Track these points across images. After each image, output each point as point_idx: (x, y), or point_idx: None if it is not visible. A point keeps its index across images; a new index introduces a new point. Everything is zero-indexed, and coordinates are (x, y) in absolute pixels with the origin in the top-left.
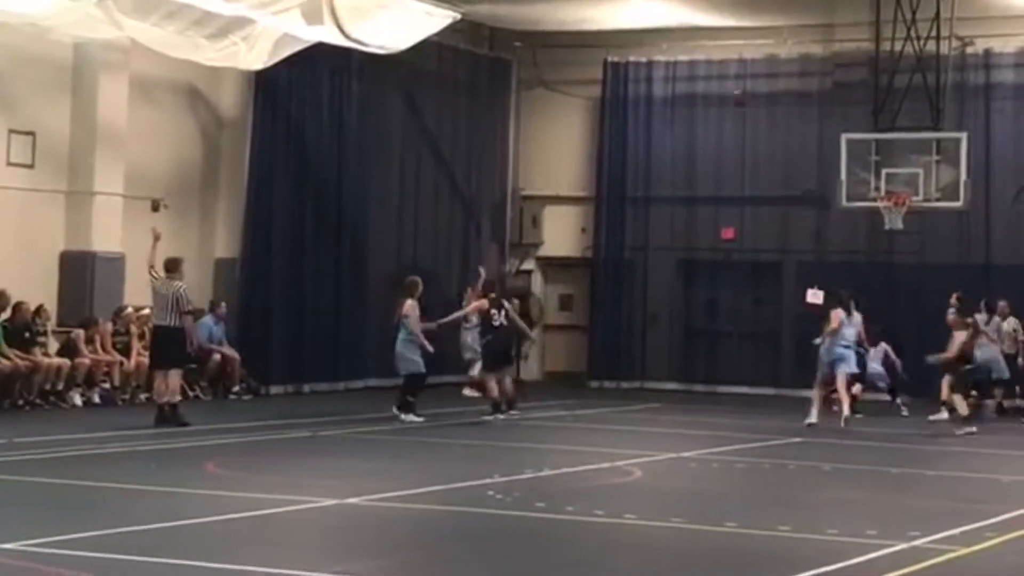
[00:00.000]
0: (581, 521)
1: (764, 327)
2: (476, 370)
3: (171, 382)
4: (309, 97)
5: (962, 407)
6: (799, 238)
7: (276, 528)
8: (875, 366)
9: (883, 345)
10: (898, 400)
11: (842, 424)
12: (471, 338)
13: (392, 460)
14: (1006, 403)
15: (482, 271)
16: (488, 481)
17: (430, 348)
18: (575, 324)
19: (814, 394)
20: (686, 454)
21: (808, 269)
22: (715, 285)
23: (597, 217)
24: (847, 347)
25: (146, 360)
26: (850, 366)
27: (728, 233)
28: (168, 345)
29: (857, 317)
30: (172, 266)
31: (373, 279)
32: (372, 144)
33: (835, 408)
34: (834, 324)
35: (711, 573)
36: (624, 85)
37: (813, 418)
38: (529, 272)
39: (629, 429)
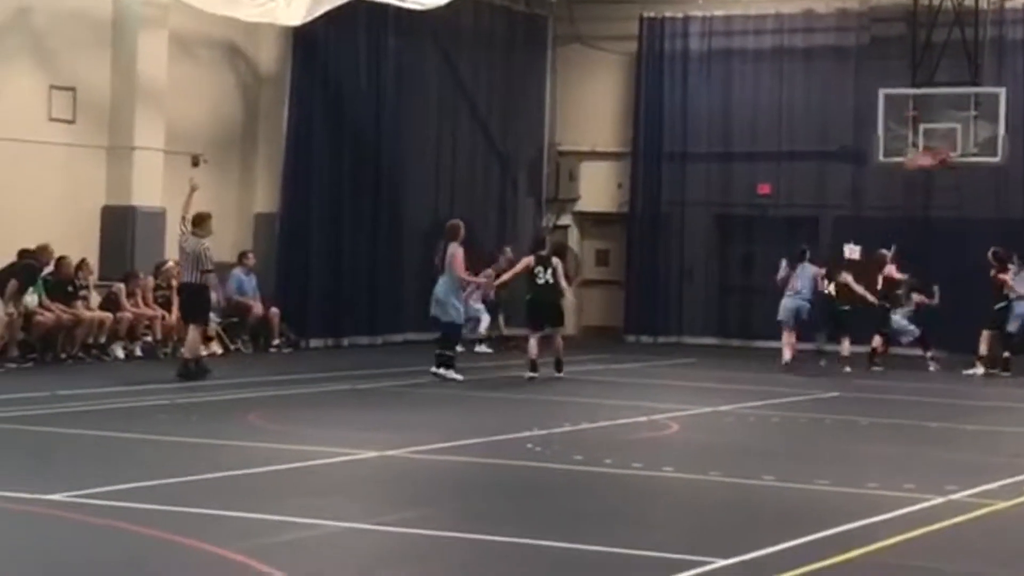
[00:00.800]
0: (619, 474)
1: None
2: (484, 326)
3: (189, 337)
4: (347, 53)
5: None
6: (835, 194)
7: (318, 479)
8: (900, 320)
9: (914, 298)
10: (928, 354)
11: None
12: (473, 299)
13: (431, 413)
14: None
15: (508, 252)
16: (527, 434)
17: (480, 281)
18: (612, 279)
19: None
20: (722, 408)
21: (845, 225)
22: (751, 241)
23: (633, 173)
24: (800, 298)
25: None
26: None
27: (764, 189)
28: (191, 301)
29: (810, 269)
30: (199, 221)
31: (410, 234)
32: (409, 100)
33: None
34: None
35: (751, 526)
36: (660, 41)
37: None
38: (566, 227)
39: (665, 383)
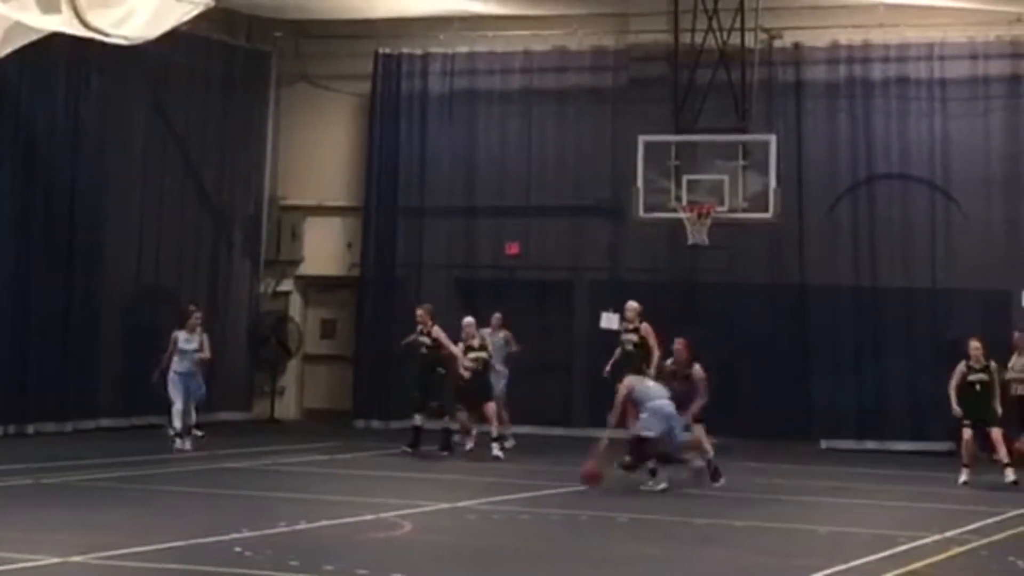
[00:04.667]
0: None
1: (553, 356)
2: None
3: None
4: (42, 93)
5: None
6: (592, 254)
7: None
8: None
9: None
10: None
11: None
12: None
13: (127, 511)
14: None
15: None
16: (236, 536)
17: None
18: (339, 354)
19: None
20: (463, 504)
21: (602, 289)
22: (498, 307)
23: (365, 231)
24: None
25: None
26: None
27: (512, 248)
28: None
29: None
30: None
31: (109, 302)
32: (112, 146)
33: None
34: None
35: None
36: (397, 80)
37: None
38: (287, 294)
39: (399, 475)
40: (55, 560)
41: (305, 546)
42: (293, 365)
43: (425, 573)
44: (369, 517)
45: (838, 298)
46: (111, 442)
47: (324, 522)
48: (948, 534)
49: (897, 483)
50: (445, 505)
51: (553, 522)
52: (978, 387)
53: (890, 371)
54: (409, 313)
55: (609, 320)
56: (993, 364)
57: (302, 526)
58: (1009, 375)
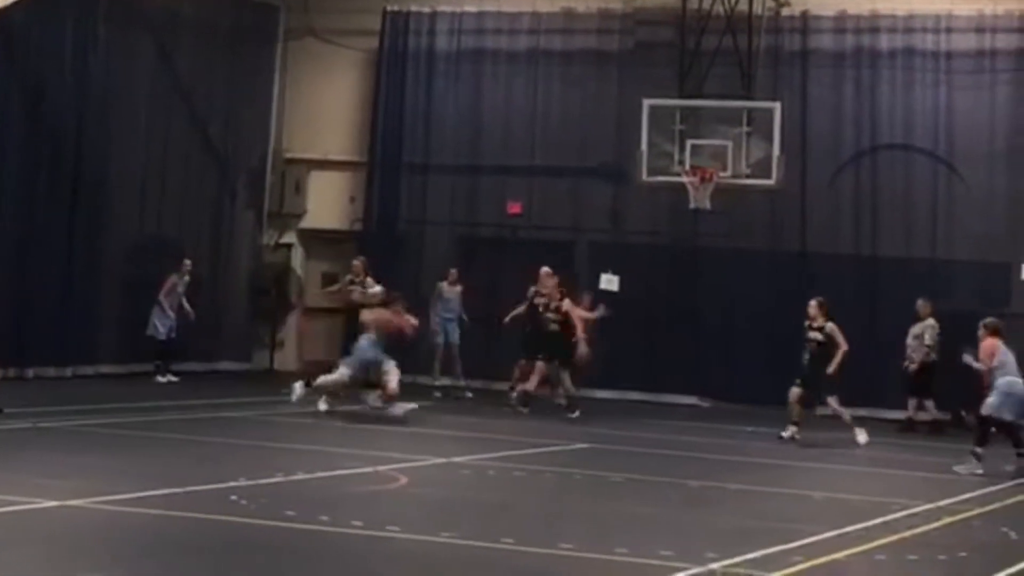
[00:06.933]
0: (336, 532)
1: None
2: None
3: None
4: (50, 43)
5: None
6: (593, 216)
7: None
8: None
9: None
10: None
11: None
12: None
13: (125, 457)
14: None
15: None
16: (232, 484)
17: None
18: (339, 307)
19: None
20: (458, 459)
21: (603, 251)
22: (499, 266)
23: (369, 185)
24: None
25: None
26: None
27: (515, 208)
28: None
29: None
30: None
31: (111, 251)
32: (118, 97)
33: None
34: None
35: None
36: (404, 37)
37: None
38: (289, 246)
39: (395, 429)
40: (53, 503)
41: (301, 497)
42: (292, 317)
43: (418, 526)
44: (366, 470)
45: (838, 266)
46: (111, 388)
47: (320, 473)
48: (941, 503)
49: (891, 450)
50: (441, 460)
51: (547, 479)
52: (813, 346)
53: (886, 340)
54: (411, 269)
55: (609, 281)
56: (830, 326)
57: (299, 477)
58: (908, 340)
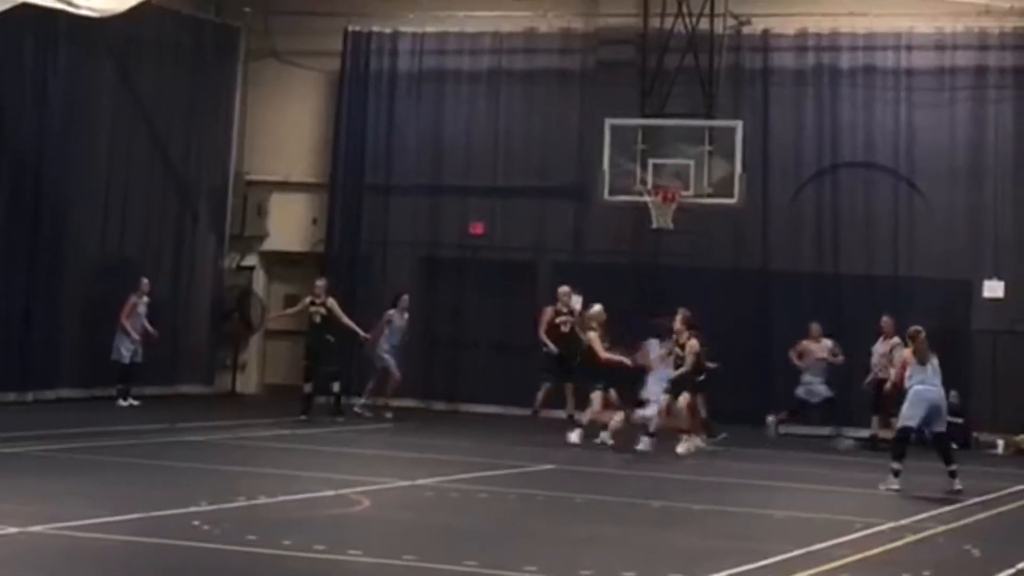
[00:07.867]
0: (298, 557)
1: (515, 337)
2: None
3: None
4: (9, 64)
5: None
6: (556, 236)
7: None
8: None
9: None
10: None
11: None
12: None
13: (87, 483)
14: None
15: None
16: (194, 509)
17: None
18: (302, 330)
19: None
20: (422, 481)
21: (566, 271)
22: (461, 287)
23: (331, 207)
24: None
25: None
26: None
27: (477, 228)
28: None
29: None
30: None
31: (72, 275)
32: (79, 118)
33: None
34: None
35: None
36: (366, 58)
37: None
38: (251, 269)
39: (358, 452)
40: (13, 530)
41: (264, 521)
42: (255, 340)
43: (381, 550)
44: (328, 493)
45: (800, 284)
46: (72, 412)
47: (283, 497)
48: (903, 521)
49: (854, 470)
50: (403, 482)
51: (510, 501)
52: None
53: (850, 358)
54: (373, 290)
55: (574, 301)
56: (692, 343)
57: (261, 500)
58: (874, 359)
